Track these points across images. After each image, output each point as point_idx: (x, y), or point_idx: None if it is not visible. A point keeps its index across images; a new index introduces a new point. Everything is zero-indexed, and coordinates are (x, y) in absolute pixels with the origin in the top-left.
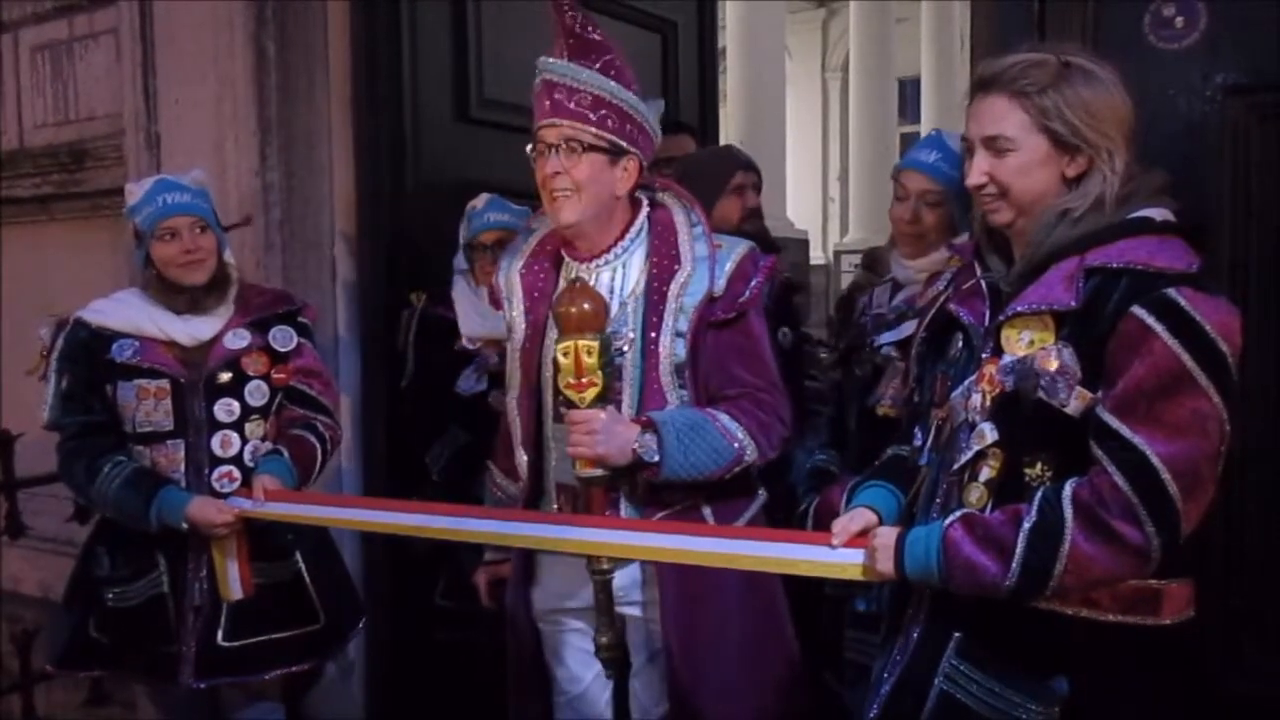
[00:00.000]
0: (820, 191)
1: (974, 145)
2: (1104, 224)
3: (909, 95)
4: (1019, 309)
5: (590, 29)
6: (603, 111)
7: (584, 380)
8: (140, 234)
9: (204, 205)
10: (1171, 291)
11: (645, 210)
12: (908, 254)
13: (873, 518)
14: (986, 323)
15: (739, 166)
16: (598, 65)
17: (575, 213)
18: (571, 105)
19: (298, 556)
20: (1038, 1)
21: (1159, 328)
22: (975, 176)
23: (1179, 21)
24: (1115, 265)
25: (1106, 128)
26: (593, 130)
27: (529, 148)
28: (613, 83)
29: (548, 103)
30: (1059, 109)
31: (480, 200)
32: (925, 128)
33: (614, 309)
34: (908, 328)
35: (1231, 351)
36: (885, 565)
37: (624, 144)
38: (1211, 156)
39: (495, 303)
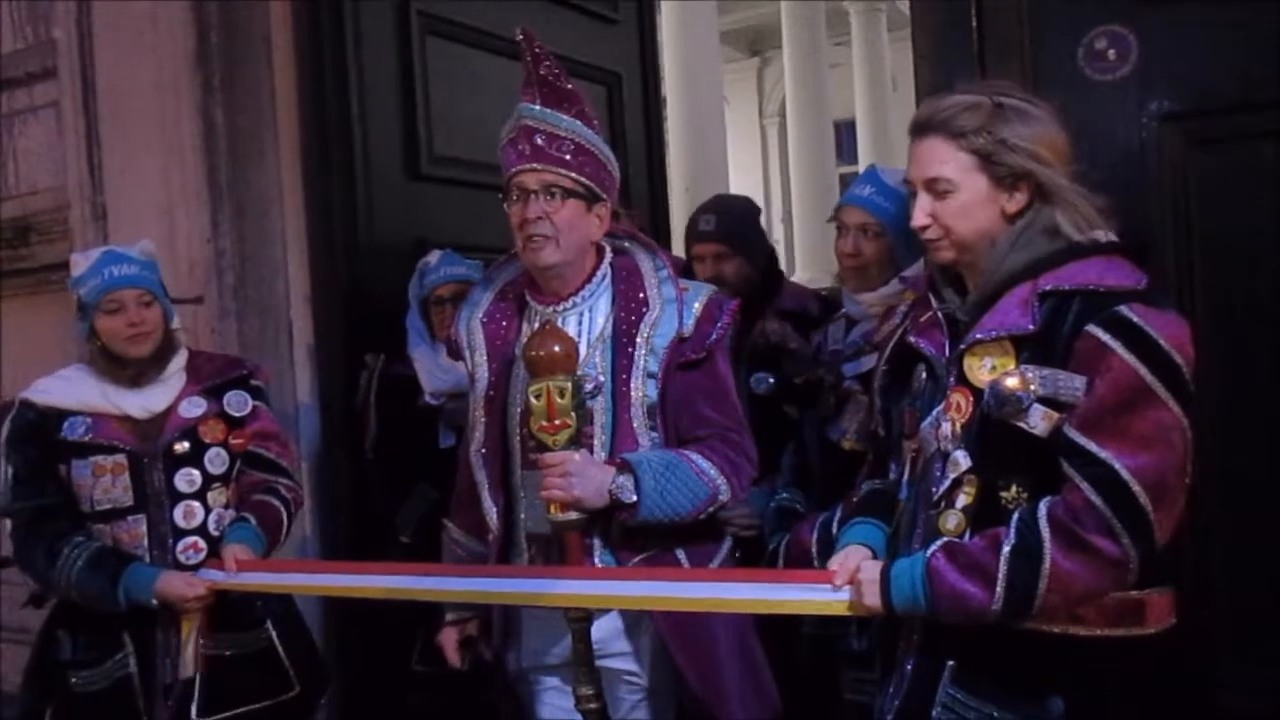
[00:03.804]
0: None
1: (915, 187)
2: (1052, 249)
3: (845, 137)
4: (979, 336)
5: (563, 78)
6: (581, 158)
7: (557, 422)
8: (84, 306)
9: (151, 277)
10: (1123, 308)
11: (609, 256)
12: (853, 287)
13: (867, 554)
14: (947, 353)
15: (694, 239)
16: (573, 112)
17: (554, 256)
18: (552, 151)
19: (269, 624)
20: (977, 40)
21: (1115, 344)
22: (919, 218)
23: (1111, 54)
24: (1067, 287)
25: (1044, 160)
26: (572, 175)
27: (502, 195)
28: (589, 130)
29: (527, 148)
30: (995, 148)
31: (433, 256)
32: (863, 168)
33: (582, 352)
34: (868, 361)
35: (1185, 362)
36: (872, 600)
37: (599, 190)
38: (1151, 182)
39: (454, 354)
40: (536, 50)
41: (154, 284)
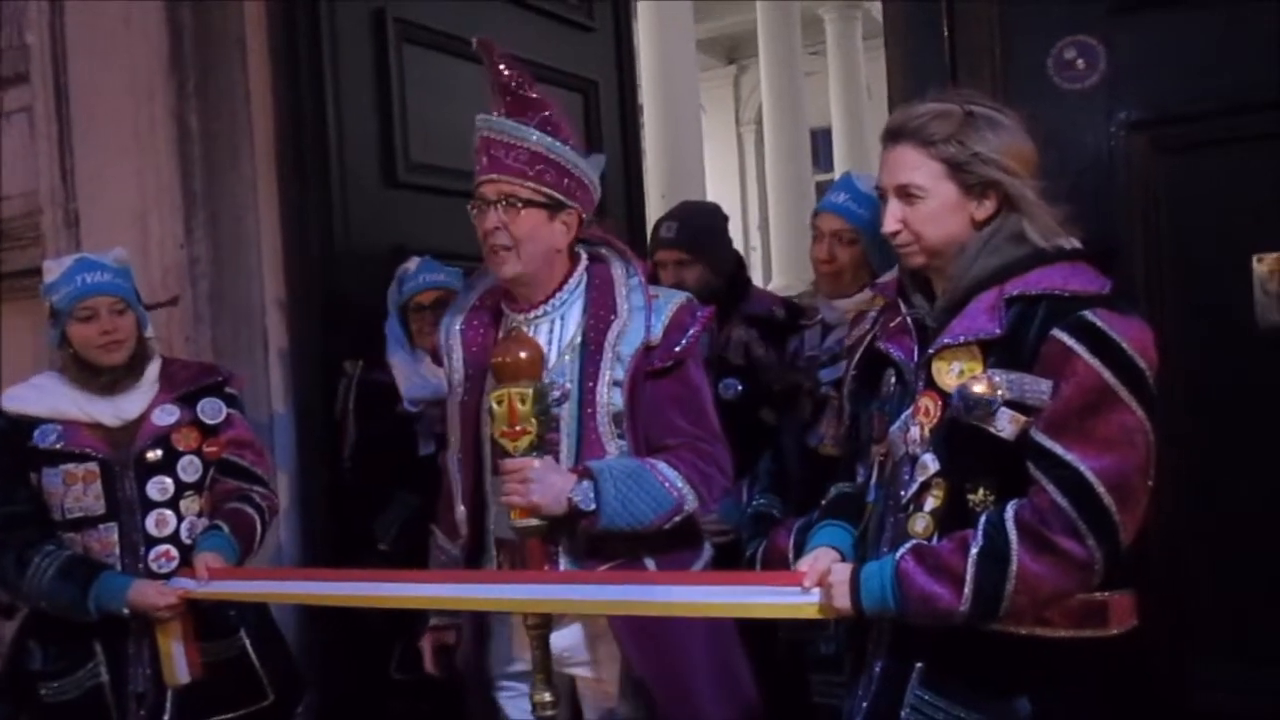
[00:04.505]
0: (742, 240)
1: (886, 193)
2: (1019, 255)
3: (821, 145)
4: (947, 341)
5: (527, 86)
6: (540, 167)
7: (517, 428)
8: (56, 313)
9: (124, 285)
10: (1088, 313)
11: (584, 263)
12: (829, 293)
13: (836, 556)
14: (916, 358)
15: (657, 246)
16: (535, 121)
17: (514, 267)
18: (509, 161)
19: (242, 633)
20: (949, 49)
21: (1079, 348)
22: (890, 224)
23: (1080, 63)
24: (1033, 292)
25: (1011, 169)
26: (530, 185)
27: (470, 205)
28: (550, 138)
29: (485, 159)
30: (965, 156)
31: (412, 263)
32: (838, 175)
33: (552, 359)
34: (844, 366)
35: (1148, 366)
36: (842, 602)
37: (562, 198)
38: (1119, 189)
39: (438, 360)
40: (496, 60)
41: (127, 291)
